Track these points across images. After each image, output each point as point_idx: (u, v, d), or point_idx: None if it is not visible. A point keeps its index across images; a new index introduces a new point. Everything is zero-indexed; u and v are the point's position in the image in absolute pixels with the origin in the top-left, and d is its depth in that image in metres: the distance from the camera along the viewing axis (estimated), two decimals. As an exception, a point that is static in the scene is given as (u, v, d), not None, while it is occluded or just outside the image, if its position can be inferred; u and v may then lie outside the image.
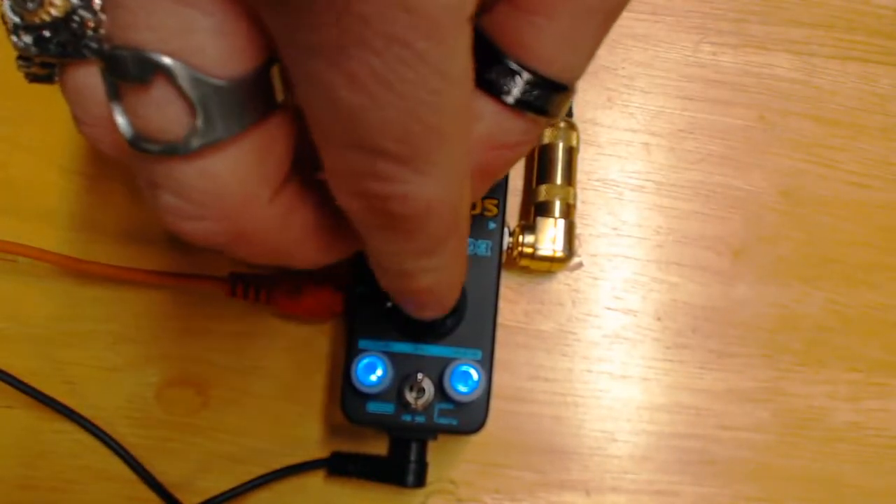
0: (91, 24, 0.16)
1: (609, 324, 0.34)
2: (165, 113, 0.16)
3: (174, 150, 0.16)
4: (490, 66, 0.18)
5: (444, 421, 0.28)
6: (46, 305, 0.33)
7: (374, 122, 0.15)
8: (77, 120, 0.19)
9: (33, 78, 0.19)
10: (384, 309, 0.29)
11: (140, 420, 0.32)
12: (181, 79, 0.15)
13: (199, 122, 0.16)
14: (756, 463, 0.33)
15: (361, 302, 0.29)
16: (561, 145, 0.33)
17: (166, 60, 0.15)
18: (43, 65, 0.18)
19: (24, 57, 0.18)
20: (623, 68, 0.37)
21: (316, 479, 0.32)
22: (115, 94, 0.16)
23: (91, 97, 0.18)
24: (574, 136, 0.33)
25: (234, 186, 0.17)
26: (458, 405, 0.28)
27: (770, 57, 0.37)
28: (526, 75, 0.18)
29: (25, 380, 0.31)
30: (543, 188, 0.33)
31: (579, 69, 0.19)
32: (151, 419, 0.32)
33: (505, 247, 0.30)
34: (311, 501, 0.32)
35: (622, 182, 0.35)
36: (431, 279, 0.20)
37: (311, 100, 0.16)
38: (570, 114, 0.34)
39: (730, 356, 0.34)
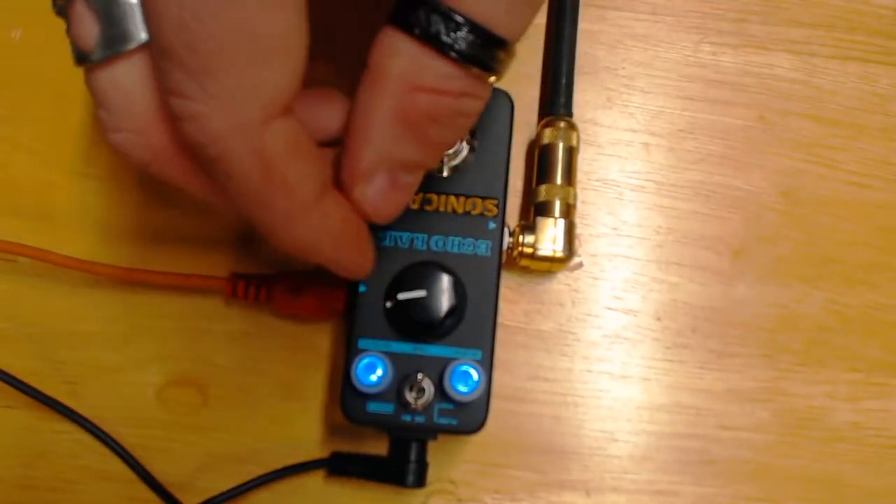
0: None
1: (609, 324, 0.34)
2: (83, 24, 0.19)
3: (88, 59, 0.19)
4: (412, 6, 0.19)
5: (443, 421, 0.28)
6: (46, 305, 0.33)
7: (167, 20, 0.17)
8: (106, 126, 0.20)
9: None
10: (384, 309, 0.29)
11: (140, 420, 0.32)
12: None
13: (104, 32, 0.18)
14: (756, 463, 0.33)
15: (361, 302, 0.29)
16: (561, 145, 0.33)
17: None
18: None
19: None
20: (623, 68, 0.37)
21: (316, 479, 0.32)
22: (62, 12, 0.19)
23: (125, 98, 0.19)
24: (574, 135, 0.33)
25: (141, 95, 0.19)
26: (458, 405, 0.28)
27: (770, 57, 0.37)
28: (440, 11, 0.18)
29: (25, 380, 0.31)
30: (543, 188, 0.33)
31: (501, 14, 0.19)
32: (151, 419, 0.32)
33: (505, 247, 0.30)
34: (311, 501, 0.32)
35: (622, 182, 0.35)
36: (288, 238, 0.20)
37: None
38: (570, 113, 0.34)
39: (730, 356, 0.34)
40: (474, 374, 0.28)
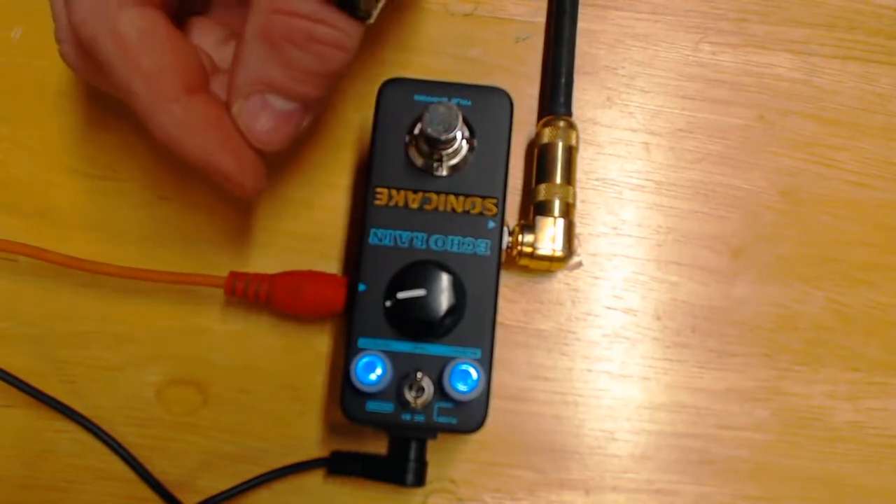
0: None
1: (609, 323, 0.34)
2: None
3: None
4: None
5: (443, 420, 0.28)
6: (46, 305, 0.33)
7: None
8: (55, 38, 0.24)
9: None
10: (384, 308, 0.29)
11: (140, 420, 0.32)
12: None
13: None
14: (756, 462, 0.33)
15: (361, 301, 0.29)
16: (560, 144, 0.33)
17: None
18: None
19: None
20: (623, 68, 0.37)
21: (315, 479, 0.32)
22: None
23: (60, 11, 0.23)
24: (573, 135, 0.33)
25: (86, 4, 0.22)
26: (458, 404, 0.28)
27: (770, 56, 0.37)
28: None
29: (25, 379, 0.31)
30: (543, 187, 0.33)
31: None
32: (151, 419, 0.32)
33: (504, 246, 0.30)
34: (311, 501, 0.32)
35: (622, 181, 0.35)
36: (152, 126, 0.23)
37: None
38: (569, 113, 0.34)
39: (729, 355, 0.34)
40: (474, 374, 0.28)
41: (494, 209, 0.30)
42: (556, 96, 0.34)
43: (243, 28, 0.23)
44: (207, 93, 0.24)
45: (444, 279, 0.28)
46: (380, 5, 0.23)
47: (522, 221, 0.33)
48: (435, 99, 0.30)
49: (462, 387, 0.28)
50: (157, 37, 0.23)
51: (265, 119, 0.24)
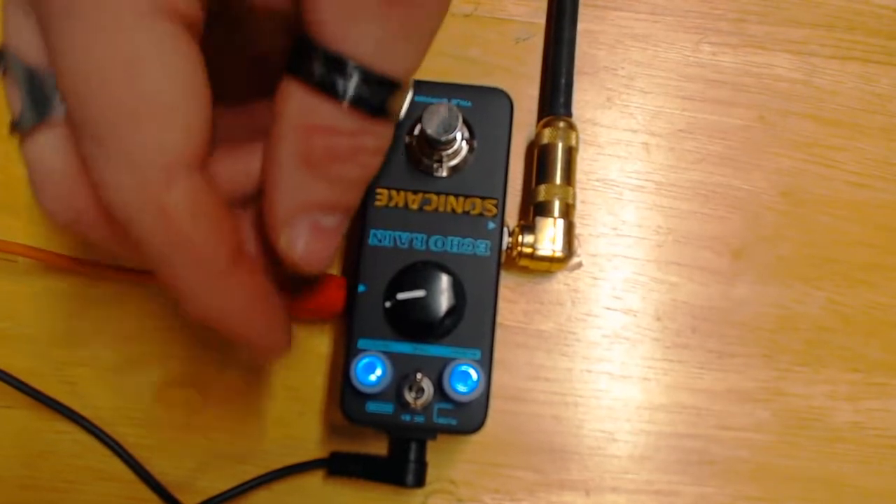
0: None
1: (609, 324, 0.34)
2: (11, 95, 0.20)
3: (16, 128, 0.20)
4: (297, 53, 0.20)
5: (443, 421, 0.28)
6: (46, 305, 0.33)
7: (70, 94, 0.18)
8: (34, 190, 0.21)
9: None
10: (383, 309, 0.29)
11: (140, 420, 0.32)
12: (12, 65, 0.19)
13: (27, 103, 0.19)
14: (756, 463, 0.33)
15: (361, 302, 0.29)
16: (560, 145, 0.33)
17: (6, 51, 0.19)
18: None
19: None
20: (623, 68, 0.37)
21: (315, 479, 0.32)
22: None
23: (49, 167, 0.20)
24: (573, 135, 0.33)
25: (63, 162, 0.20)
26: (458, 405, 0.28)
27: (770, 57, 0.37)
28: (324, 56, 0.19)
29: (25, 380, 0.31)
30: (543, 188, 0.33)
31: (385, 55, 0.19)
32: (151, 419, 0.32)
33: (504, 247, 0.30)
34: (311, 501, 0.32)
35: (622, 182, 0.35)
36: (196, 306, 0.20)
37: None
38: (569, 113, 0.34)
39: (730, 356, 0.34)
40: (474, 374, 0.28)
41: (494, 210, 0.30)
42: (556, 97, 0.34)
43: (270, 149, 0.21)
44: (248, 258, 0.21)
45: (444, 280, 0.28)
46: (407, 100, 0.22)
47: (522, 222, 0.33)
48: (435, 100, 0.30)
49: (462, 388, 0.28)
50: (208, 209, 0.19)
51: (314, 241, 0.21)
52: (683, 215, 0.35)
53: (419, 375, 0.28)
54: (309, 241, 0.21)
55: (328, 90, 0.19)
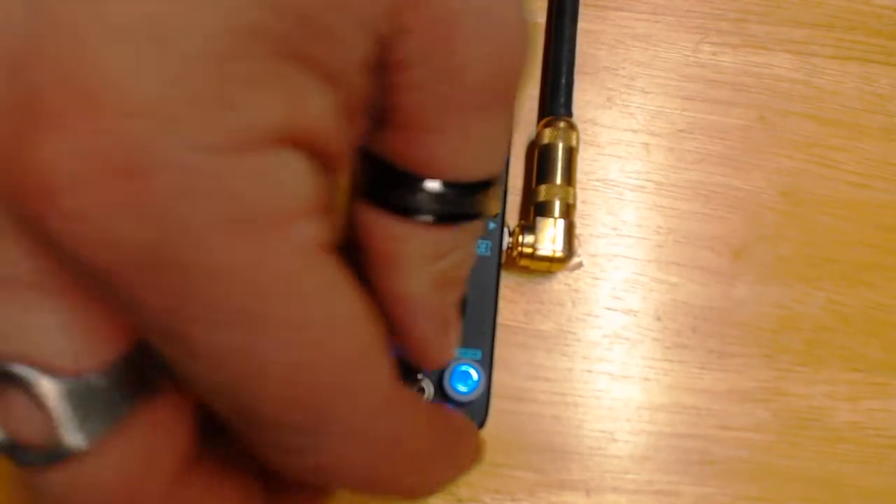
0: None
1: (609, 324, 0.34)
2: (22, 421, 0.14)
3: (44, 460, 0.14)
4: (395, 187, 0.17)
5: (443, 421, 0.28)
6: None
7: (255, 400, 0.14)
8: None
9: None
10: (384, 309, 0.29)
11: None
12: (32, 383, 0.13)
13: (63, 427, 0.14)
14: (756, 463, 0.33)
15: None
16: (560, 145, 0.33)
17: (9, 366, 0.13)
18: None
19: None
20: (623, 68, 0.37)
21: (316, 480, 0.32)
22: None
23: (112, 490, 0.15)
24: (574, 136, 0.33)
25: (118, 488, 0.15)
26: (458, 405, 0.28)
27: (770, 57, 0.37)
28: (430, 186, 0.16)
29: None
30: (543, 188, 0.33)
31: (488, 163, 0.17)
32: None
33: (504, 247, 0.30)
34: (311, 501, 0.32)
35: (622, 182, 0.35)
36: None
37: (192, 383, 0.14)
38: (569, 113, 0.34)
39: (730, 356, 0.34)
40: (474, 374, 0.28)
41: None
42: (556, 97, 0.34)
43: (387, 298, 0.18)
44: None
45: (445, 280, 0.28)
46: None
47: (523, 222, 0.33)
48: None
49: (462, 388, 0.28)
50: (341, 283, 0.15)
51: (451, 338, 0.20)
52: (684, 215, 0.35)
53: (419, 375, 0.28)
54: (449, 345, 0.20)
55: (445, 220, 0.17)
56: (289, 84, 0.13)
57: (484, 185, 0.17)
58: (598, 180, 0.35)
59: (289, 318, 0.13)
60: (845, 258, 0.35)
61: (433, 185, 0.16)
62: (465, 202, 0.17)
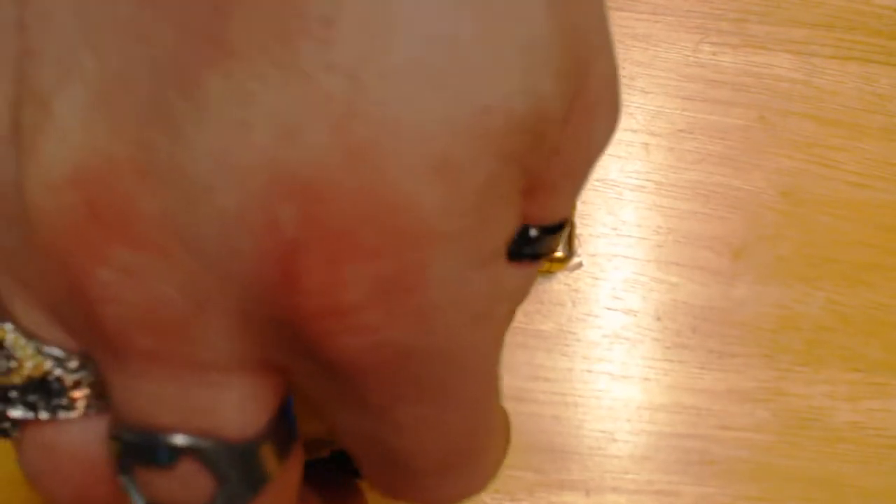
0: (69, 382, 0.14)
1: (609, 324, 0.34)
2: (190, 488, 0.14)
3: None
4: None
5: (443, 421, 0.28)
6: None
7: (414, 455, 0.15)
8: (39, 482, 0.16)
9: None
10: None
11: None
12: (205, 454, 0.14)
13: (225, 490, 0.14)
14: (756, 463, 0.33)
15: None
16: (561, 145, 0.33)
17: (191, 441, 0.14)
18: None
19: None
20: (623, 68, 0.37)
21: (315, 480, 0.32)
22: (125, 468, 0.14)
23: (64, 456, 0.15)
24: (574, 135, 0.33)
25: None
26: (458, 405, 0.28)
27: (770, 57, 0.37)
28: (533, 233, 0.17)
29: (25, 380, 0.31)
30: (543, 188, 0.33)
31: (572, 206, 0.18)
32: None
33: (505, 246, 0.30)
34: (311, 501, 0.32)
35: (622, 182, 0.35)
36: None
37: (350, 438, 0.15)
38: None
39: (730, 356, 0.34)
40: (474, 374, 0.28)
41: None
42: (556, 97, 0.34)
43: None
44: None
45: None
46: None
47: (522, 222, 0.33)
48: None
49: (462, 387, 0.28)
50: None
51: None
52: (683, 215, 0.35)
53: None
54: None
55: (534, 259, 0.17)
56: (518, 193, 0.14)
57: (562, 225, 0.18)
58: (597, 180, 0.35)
59: (480, 392, 0.15)
60: (845, 258, 0.35)
61: (533, 231, 0.17)
62: (550, 242, 0.18)
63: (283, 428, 0.15)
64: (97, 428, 0.15)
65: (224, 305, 0.12)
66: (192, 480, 0.14)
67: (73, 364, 0.14)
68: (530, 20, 0.12)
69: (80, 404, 0.15)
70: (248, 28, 0.11)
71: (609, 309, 0.34)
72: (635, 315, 0.34)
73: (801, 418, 0.34)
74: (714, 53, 0.37)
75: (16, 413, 0.14)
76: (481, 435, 0.16)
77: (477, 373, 0.15)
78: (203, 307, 0.12)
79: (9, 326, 0.14)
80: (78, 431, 0.15)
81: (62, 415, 0.14)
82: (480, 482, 0.17)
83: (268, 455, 0.15)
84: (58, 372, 0.14)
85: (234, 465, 0.14)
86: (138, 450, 0.14)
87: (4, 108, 0.13)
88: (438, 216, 0.12)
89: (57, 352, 0.14)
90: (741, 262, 0.35)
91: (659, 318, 0.34)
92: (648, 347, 0.34)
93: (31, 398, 0.14)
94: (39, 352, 0.14)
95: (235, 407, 0.14)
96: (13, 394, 0.14)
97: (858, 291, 0.35)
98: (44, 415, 0.14)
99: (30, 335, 0.14)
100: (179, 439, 0.14)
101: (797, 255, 0.35)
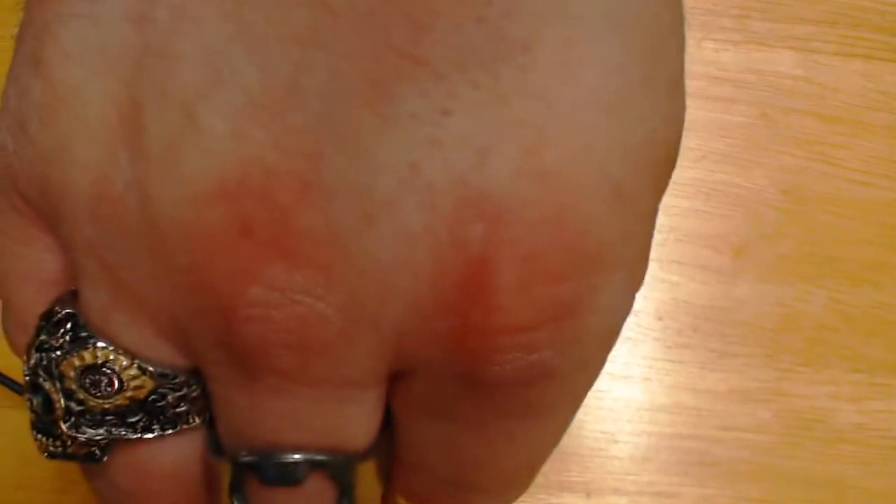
0: (171, 400, 0.14)
1: (609, 323, 0.34)
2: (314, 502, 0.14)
3: None
4: None
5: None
6: (44, 306, 0.33)
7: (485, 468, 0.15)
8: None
9: (57, 456, 0.15)
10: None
11: (138, 421, 0.32)
12: (336, 469, 0.14)
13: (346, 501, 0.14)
14: (758, 464, 0.33)
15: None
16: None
17: (324, 457, 0.13)
18: (86, 443, 0.14)
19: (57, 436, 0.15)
20: (624, 66, 0.36)
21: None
22: (236, 488, 0.14)
23: (157, 476, 0.15)
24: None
25: None
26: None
27: (773, 54, 0.37)
28: None
29: (21, 379, 0.31)
30: (543, 187, 0.32)
31: None
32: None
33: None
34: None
35: (623, 180, 0.35)
36: None
37: (426, 452, 0.15)
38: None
39: (731, 356, 0.34)
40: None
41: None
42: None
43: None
44: None
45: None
46: None
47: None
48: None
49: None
50: None
51: None
52: (685, 213, 0.35)
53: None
54: None
55: None
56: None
57: None
58: (598, 179, 0.35)
59: (571, 416, 0.15)
60: (847, 257, 0.35)
61: None
62: None
63: (383, 447, 0.15)
64: (192, 445, 0.14)
65: (380, 322, 0.12)
66: (318, 497, 0.14)
67: (179, 381, 0.14)
68: (672, 59, 0.12)
69: (181, 422, 0.14)
70: (446, 46, 0.11)
71: (610, 308, 0.34)
72: (636, 314, 0.34)
73: (802, 419, 0.34)
74: (716, 50, 0.37)
75: (116, 433, 0.14)
76: (545, 458, 0.16)
77: (581, 398, 0.14)
78: (358, 324, 0.12)
79: (108, 345, 0.13)
80: (173, 450, 0.14)
81: (164, 432, 0.14)
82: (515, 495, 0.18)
83: (379, 464, 0.15)
84: (162, 390, 0.14)
85: (357, 477, 0.14)
86: (259, 469, 0.13)
87: (110, 110, 0.12)
88: (617, 242, 0.12)
89: (162, 370, 0.13)
90: (742, 261, 0.35)
91: (660, 318, 0.34)
92: (650, 347, 0.34)
93: (132, 418, 0.14)
94: (144, 371, 0.13)
95: (363, 421, 0.14)
96: (111, 416, 0.14)
97: (861, 290, 0.35)
98: (147, 434, 0.14)
99: (131, 353, 0.13)
100: (311, 456, 0.13)
101: (799, 253, 0.35)
